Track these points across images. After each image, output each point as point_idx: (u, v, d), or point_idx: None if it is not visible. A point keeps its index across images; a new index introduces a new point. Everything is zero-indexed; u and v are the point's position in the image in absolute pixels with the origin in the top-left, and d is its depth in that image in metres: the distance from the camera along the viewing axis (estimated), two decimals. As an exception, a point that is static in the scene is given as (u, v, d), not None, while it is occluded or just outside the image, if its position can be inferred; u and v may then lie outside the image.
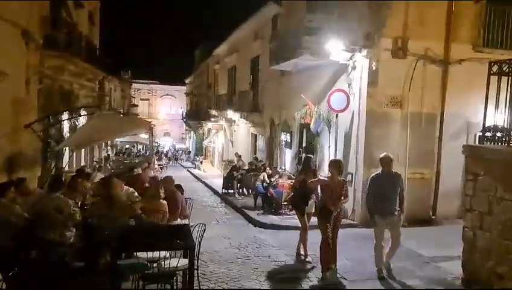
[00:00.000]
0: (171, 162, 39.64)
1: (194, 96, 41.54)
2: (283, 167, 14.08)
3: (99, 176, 11.23)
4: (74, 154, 17.69)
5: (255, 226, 9.71)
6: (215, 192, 16.35)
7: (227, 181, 14.83)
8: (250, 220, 10.27)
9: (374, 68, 9.25)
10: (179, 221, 6.58)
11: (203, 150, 34.60)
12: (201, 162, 30.98)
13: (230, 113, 21.28)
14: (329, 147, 10.45)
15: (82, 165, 16.12)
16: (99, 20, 22.35)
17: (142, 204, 5.99)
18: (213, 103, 28.14)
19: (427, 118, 9.47)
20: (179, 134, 55.41)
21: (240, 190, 14.43)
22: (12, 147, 9.82)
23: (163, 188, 6.47)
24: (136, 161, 18.07)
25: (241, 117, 19.80)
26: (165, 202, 6.06)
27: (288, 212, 10.45)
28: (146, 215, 5.85)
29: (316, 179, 6.59)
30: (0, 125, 8.99)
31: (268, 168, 12.81)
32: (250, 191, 13.21)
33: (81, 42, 15.09)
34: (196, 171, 28.24)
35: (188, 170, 29.66)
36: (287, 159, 14.21)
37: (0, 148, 9.21)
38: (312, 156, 9.65)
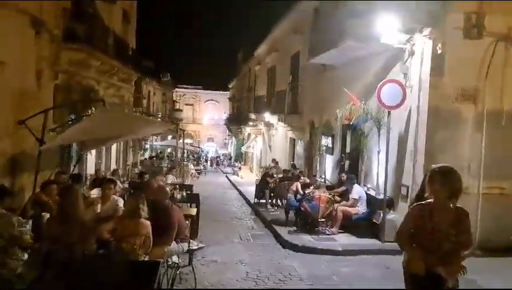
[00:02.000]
0: (212, 167, 38.67)
1: (236, 100, 40.49)
2: (323, 176, 12.18)
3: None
4: (104, 157, 16.85)
5: (283, 247, 7.91)
6: (247, 201, 14.70)
7: (260, 190, 13.13)
8: (278, 239, 8.49)
9: (439, 52, 7.22)
10: (174, 246, 4.96)
11: (243, 156, 33.27)
12: (239, 168, 29.57)
13: (268, 117, 19.64)
14: (378, 152, 8.48)
15: (105, 169, 15.08)
16: (135, 19, 21.66)
17: (114, 225, 4.41)
18: (252, 106, 26.71)
19: (509, 117, 7.29)
20: (221, 139, 54.94)
21: (273, 201, 12.68)
22: (15, 147, 8.71)
23: (154, 201, 4.90)
24: (163, 166, 16.87)
25: (279, 120, 18.09)
26: (146, 222, 4.45)
27: (326, 231, 8.58)
28: (119, 240, 4.24)
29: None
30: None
31: (303, 177, 10.96)
32: (284, 203, 11.43)
33: (107, 38, 14.11)
34: (234, 178, 26.86)
35: (226, 176, 28.39)
36: (328, 167, 12.30)
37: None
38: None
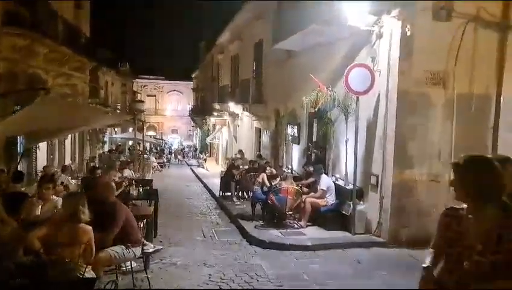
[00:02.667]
0: (176, 159, 37.65)
1: (200, 91, 39.54)
2: (289, 167, 11.80)
3: (64, 178, 9.12)
4: (57, 151, 15.74)
5: (250, 244, 7.43)
6: (212, 195, 14.14)
7: (225, 182, 12.59)
8: (245, 235, 8.00)
9: (407, 34, 6.89)
10: (122, 252, 4.34)
11: (208, 147, 32.54)
12: (205, 160, 28.86)
13: (233, 106, 19.05)
14: (346, 140, 8.12)
15: (57, 165, 14.03)
16: (89, 6, 20.38)
17: (47, 231, 3.74)
18: (216, 96, 25.99)
19: (478, 101, 7.07)
20: (186, 131, 53.80)
21: (239, 193, 12.19)
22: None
23: (98, 200, 4.26)
24: (121, 159, 15.98)
25: (243, 110, 17.55)
26: (87, 227, 3.81)
27: (295, 225, 8.19)
28: (52, 250, 3.57)
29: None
30: None
31: (269, 168, 10.51)
32: (251, 196, 10.96)
33: (55, 23, 13.04)
34: (199, 170, 26.16)
35: (191, 168, 27.63)
36: (295, 157, 11.91)
37: None
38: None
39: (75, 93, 15.05)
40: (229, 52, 22.54)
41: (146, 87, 54.34)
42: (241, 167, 12.98)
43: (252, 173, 11.36)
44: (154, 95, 55.05)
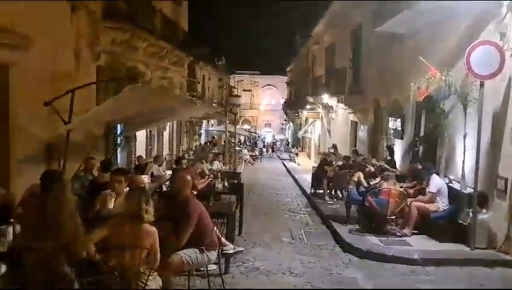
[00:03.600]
0: (268, 153, 37.63)
1: (293, 84, 38.99)
2: (391, 164, 10.51)
3: (155, 168, 9.10)
4: (156, 142, 16.27)
5: (343, 251, 6.54)
6: (303, 191, 13.40)
7: (316, 179, 11.73)
8: (338, 239, 7.12)
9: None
10: (195, 256, 3.79)
11: (300, 141, 31.86)
12: (296, 154, 28.23)
13: (327, 98, 18.01)
14: (464, 135, 6.76)
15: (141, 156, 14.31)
16: (187, 2, 20.86)
17: (104, 232, 3.29)
18: (309, 89, 25.10)
19: None
20: (279, 125, 53.95)
21: (332, 192, 11.24)
22: (51, 131, 8.01)
23: (171, 195, 3.78)
24: (213, 152, 15.96)
25: (338, 102, 16.42)
26: (151, 229, 3.31)
27: (397, 232, 7.08)
28: (111, 254, 3.09)
29: None
30: (27, 105, 7.12)
31: (368, 165, 9.41)
32: (345, 195, 10.00)
33: (153, 18, 13.30)
34: (290, 164, 25.65)
35: (282, 162, 27.25)
36: (397, 153, 10.59)
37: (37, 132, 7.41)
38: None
39: (172, 87, 15.32)
40: (324, 42, 21.51)
41: (242, 82, 55.52)
42: (334, 162, 12.03)
43: (346, 170, 10.34)
44: (250, 90, 56.08)
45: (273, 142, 44.92)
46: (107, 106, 6.31)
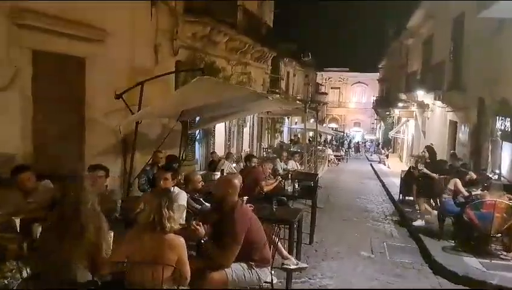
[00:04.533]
0: (357, 153, 35.97)
1: (385, 81, 36.74)
2: (497, 171, 8.95)
3: (226, 165, 8.80)
4: (235, 139, 16.16)
5: (434, 273, 5.52)
6: (390, 197, 12.22)
7: (406, 185, 10.52)
8: (427, 257, 6.08)
9: None
10: (242, 273, 3.22)
11: (391, 142, 29.81)
12: (386, 156, 26.40)
13: (422, 96, 16.33)
14: None
15: (236, 152, 14.22)
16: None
17: (130, 243, 2.80)
18: (403, 86, 23.22)
19: None
20: (369, 124, 51.66)
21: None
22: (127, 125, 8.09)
23: (217, 199, 3.25)
24: (290, 150, 15.28)
25: (435, 99, 14.74)
26: (176, 240, 2.77)
27: (502, 254, 5.83)
28: (132, 270, 2.64)
29: None
30: (104, 98, 7.21)
31: (470, 172, 8.05)
32: (439, 204, 8.71)
33: (235, 12, 13.08)
34: (379, 167, 24.07)
35: (371, 164, 25.74)
36: (506, 159, 8.99)
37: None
38: None
39: (252, 83, 15.01)
40: (421, 34, 19.64)
41: (330, 79, 54.46)
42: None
43: (441, 176, 9.01)
44: (338, 88, 54.85)
45: (359, 142, 42.90)
46: (172, 98, 6.07)
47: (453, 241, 6.55)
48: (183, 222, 3.78)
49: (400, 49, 27.58)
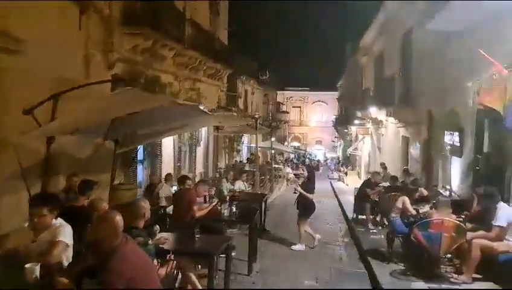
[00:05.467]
0: (318, 172, 35.92)
1: (343, 99, 37.29)
2: (448, 187, 8.73)
3: (165, 188, 8.06)
4: (187, 159, 15.38)
5: (381, 303, 5.01)
6: (345, 216, 11.82)
7: (359, 203, 10.17)
8: (375, 283, 5.58)
9: None
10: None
11: (350, 160, 29.96)
12: (345, 173, 26.37)
13: (375, 112, 16.33)
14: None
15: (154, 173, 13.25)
16: (227, 13, 20.20)
17: None
18: (358, 103, 23.41)
19: None
20: (330, 142, 52.33)
21: (377, 218, 9.61)
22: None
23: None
24: (245, 169, 14.72)
25: (387, 115, 14.71)
26: None
27: (452, 277, 5.43)
28: None
29: None
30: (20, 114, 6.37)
31: (420, 188, 7.76)
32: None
33: (181, 25, 12.53)
34: (338, 184, 23.94)
35: (330, 182, 25.58)
36: (455, 174, 8.80)
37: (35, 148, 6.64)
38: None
39: (202, 99, 14.40)
40: (373, 52, 19.90)
41: (292, 98, 55.28)
42: (381, 184, 10.39)
43: (393, 193, 8.70)
44: (299, 106, 55.68)
45: (319, 160, 43.21)
46: (86, 110, 5.33)
47: (403, 264, 6.11)
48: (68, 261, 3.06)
49: (356, 67, 28.01)
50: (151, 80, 10.55)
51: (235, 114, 14.05)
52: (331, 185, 23.91)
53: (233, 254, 5.33)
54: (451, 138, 8.79)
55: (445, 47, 9.52)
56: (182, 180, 6.49)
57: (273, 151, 31.96)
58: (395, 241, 6.51)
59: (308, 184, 8.07)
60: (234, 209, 6.04)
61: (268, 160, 30.51)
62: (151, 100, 5.28)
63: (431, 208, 6.16)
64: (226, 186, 9.09)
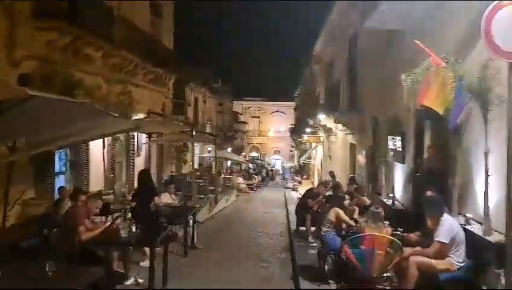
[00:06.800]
0: (273, 181, 35.41)
1: (298, 108, 37.17)
2: (390, 195, 8.13)
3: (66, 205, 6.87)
4: (124, 170, 14.13)
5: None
6: (289, 228, 11.05)
7: (300, 214, 9.41)
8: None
9: None
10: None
11: (305, 169, 29.55)
12: (300, 183, 25.81)
13: (324, 119, 15.84)
14: (486, 153, 4.46)
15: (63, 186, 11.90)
16: (172, 16, 19.18)
17: None
18: (310, 111, 23.04)
19: None
20: (288, 152, 52.36)
21: (318, 230, 8.86)
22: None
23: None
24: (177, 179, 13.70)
25: (335, 122, 14.20)
26: None
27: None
28: None
29: None
30: None
31: (359, 196, 7.08)
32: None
33: (110, 22, 11.38)
34: (292, 194, 23.29)
35: (284, 192, 24.95)
36: (398, 181, 8.23)
37: None
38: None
39: (134, 104, 13.25)
40: (324, 60, 19.55)
41: (250, 108, 54.85)
42: (325, 193, 9.69)
43: (332, 203, 7.98)
44: (258, 117, 55.39)
45: (273, 170, 42.98)
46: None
47: (335, 284, 5.33)
48: None
49: (310, 76, 27.78)
50: (69, 81, 9.39)
51: (162, 119, 12.92)
52: (284, 195, 23.30)
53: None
54: (393, 143, 8.24)
55: (388, 48, 9.04)
56: (75, 195, 5.38)
57: (229, 162, 31.26)
58: (328, 258, 5.73)
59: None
60: (133, 229, 4.97)
61: (224, 171, 29.72)
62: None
63: (365, 221, 5.43)
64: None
